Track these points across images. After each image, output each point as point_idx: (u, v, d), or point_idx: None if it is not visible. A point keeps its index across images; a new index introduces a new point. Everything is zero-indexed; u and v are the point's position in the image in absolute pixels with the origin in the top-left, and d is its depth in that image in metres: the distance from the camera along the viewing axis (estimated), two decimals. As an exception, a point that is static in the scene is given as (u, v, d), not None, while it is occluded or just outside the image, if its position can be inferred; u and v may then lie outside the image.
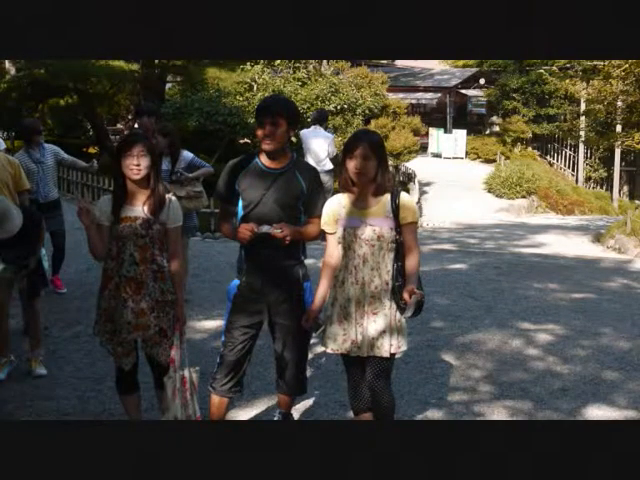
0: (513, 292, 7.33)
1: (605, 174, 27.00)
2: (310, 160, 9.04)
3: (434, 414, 4.28)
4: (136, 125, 6.90)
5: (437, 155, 27.38)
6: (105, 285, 3.51)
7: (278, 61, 15.89)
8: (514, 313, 6.46)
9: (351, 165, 3.22)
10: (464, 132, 27.46)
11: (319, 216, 3.42)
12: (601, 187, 27.43)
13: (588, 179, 27.44)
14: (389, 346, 3.27)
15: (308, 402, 4.38)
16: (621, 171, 25.71)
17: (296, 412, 4.13)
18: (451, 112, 29.33)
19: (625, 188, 27.30)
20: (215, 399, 3.57)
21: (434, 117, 30.08)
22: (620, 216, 18.55)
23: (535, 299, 7.07)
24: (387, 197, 3.28)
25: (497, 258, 9.83)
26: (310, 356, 4.43)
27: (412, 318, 3.26)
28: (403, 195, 3.32)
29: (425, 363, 5.12)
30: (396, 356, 3.43)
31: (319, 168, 7.94)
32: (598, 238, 13.58)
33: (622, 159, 25.40)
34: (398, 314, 3.26)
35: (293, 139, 9.73)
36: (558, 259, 10.21)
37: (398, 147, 18.89)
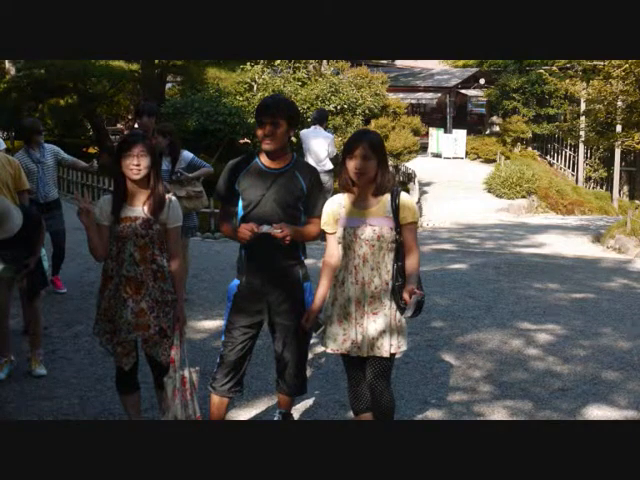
0: (513, 292, 7.33)
1: (605, 174, 26.97)
2: (310, 160, 9.04)
3: (434, 414, 4.28)
4: (136, 125, 6.90)
5: (437, 155, 27.35)
6: (105, 285, 3.51)
7: (278, 61, 15.90)
8: (514, 313, 6.46)
9: (351, 165, 3.23)
10: (464, 132, 27.43)
11: (319, 216, 3.42)
12: (601, 187, 27.41)
13: (588, 179, 27.43)
14: (389, 346, 3.27)
15: (308, 402, 4.38)
16: (621, 171, 25.68)
17: (296, 412, 4.13)
18: (451, 112, 29.30)
19: (625, 188, 27.26)
20: (215, 399, 3.57)
21: (434, 117, 30.09)
22: (620, 216, 18.54)
23: (535, 299, 7.07)
24: (387, 197, 3.28)
25: (497, 258, 9.83)
26: (310, 356, 4.43)
27: (412, 318, 3.26)
28: (403, 195, 3.32)
29: (425, 363, 5.12)
30: (396, 356, 3.43)
31: (319, 168, 7.96)
32: (598, 238, 13.56)
33: (622, 159, 25.37)
34: (398, 314, 3.27)
35: (293, 139, 9.74)
36: (558, 259, 10.20)
37: (398, 147, 18.88)
